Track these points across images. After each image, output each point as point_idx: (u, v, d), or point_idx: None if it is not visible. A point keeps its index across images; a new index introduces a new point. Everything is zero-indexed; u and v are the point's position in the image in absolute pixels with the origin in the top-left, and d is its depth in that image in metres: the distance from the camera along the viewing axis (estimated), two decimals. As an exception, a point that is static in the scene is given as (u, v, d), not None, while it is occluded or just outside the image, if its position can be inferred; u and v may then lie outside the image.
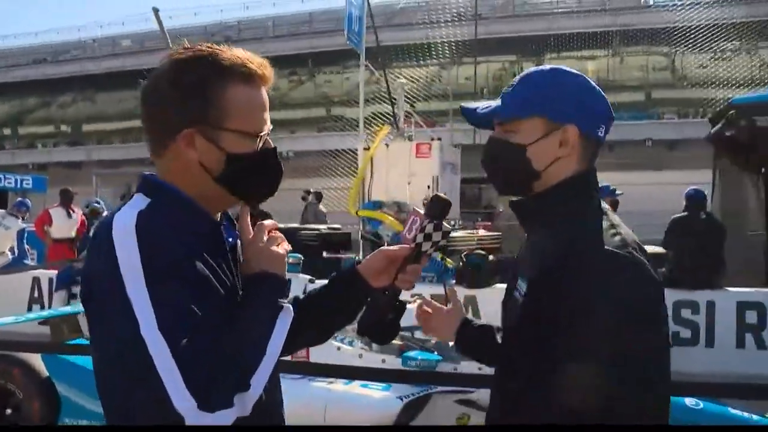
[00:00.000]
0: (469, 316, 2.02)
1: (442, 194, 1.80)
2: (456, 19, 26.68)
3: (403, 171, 9.86)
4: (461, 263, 8.11)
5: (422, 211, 1.73)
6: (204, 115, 1.47)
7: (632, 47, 28.92)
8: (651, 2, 29.56)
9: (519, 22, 28.10)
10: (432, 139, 10.59)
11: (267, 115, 1.55)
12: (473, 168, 12.76)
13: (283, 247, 1.55)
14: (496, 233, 10.18)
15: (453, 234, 9.09)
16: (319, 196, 14.28)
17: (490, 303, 7.76)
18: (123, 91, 33.57)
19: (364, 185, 9.49)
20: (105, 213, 8.18)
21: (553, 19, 28.77)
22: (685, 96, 28.12)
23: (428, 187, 9.89)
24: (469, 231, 9.64)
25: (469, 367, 4.20)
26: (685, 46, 27.08)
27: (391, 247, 1.76)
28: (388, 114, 15.05)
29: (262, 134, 1.53)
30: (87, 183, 26.05)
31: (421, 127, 13.37)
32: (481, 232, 10.31)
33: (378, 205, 9.11)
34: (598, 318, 1.42)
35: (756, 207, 9.68)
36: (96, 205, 11.40)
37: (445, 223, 1.71)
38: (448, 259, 8.18)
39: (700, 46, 26.73)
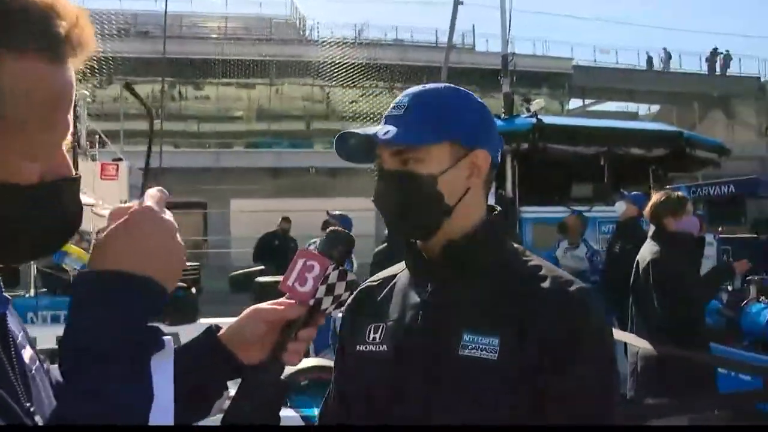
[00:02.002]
0: None
1: (338, 227, 1.34)
2: (120, 34, 25.05)
3: (86, 194, 8.62)
4: (161, 297, 7.30)
5: (316, 251, 1.23)
6: None
7: (291, 78, 29.90)
8: (314, 36, 30.92)
9: (185, 43, 27.32)
10: (115, 160, 9.52)
11: (71, 116, 0.91)
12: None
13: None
14: (193, 263, 9.47)
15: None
16: None
17: (194, 341, 7.16)
18: None
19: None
20: None
21: (218, 44, 28.56)
22: (339, 128, 29.80)
23: (116, 213, 8.82)
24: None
25: None
26: (338, 81, 28.72)
27: (268, 306, 1.22)
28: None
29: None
30: None
31: (104, 146, 12.09)
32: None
33: (56, 234, 7.81)
34: (595, 364, 1.31)
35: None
36: None
37: (347, 270, 1.23)
38: (147, 294, 7.31)
39: (352, 82, 28.57)
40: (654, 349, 4.24)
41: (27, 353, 0.98)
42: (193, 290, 7.48)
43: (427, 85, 1.45)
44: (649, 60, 34.37)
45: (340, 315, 1.53)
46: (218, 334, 1.20)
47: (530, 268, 1.39)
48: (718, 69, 34.59)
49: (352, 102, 29.88)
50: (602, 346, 1.33)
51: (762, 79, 34.60)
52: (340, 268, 1.20)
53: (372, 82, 29.20)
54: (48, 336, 6.81)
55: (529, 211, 8.54)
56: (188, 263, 9.68)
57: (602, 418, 1.30)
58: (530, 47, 30.73)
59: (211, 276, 10.15)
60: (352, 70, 28.11)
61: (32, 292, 7.89)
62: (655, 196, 4.67)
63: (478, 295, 1.35)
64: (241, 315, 1.23)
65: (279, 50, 28.46)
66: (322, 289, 1.17)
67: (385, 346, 1.40)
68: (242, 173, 25.22)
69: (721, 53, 34.61)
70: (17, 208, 0.87)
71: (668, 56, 34.45)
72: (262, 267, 8.66)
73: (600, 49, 34.28)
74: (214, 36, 29.98)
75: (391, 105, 1.41)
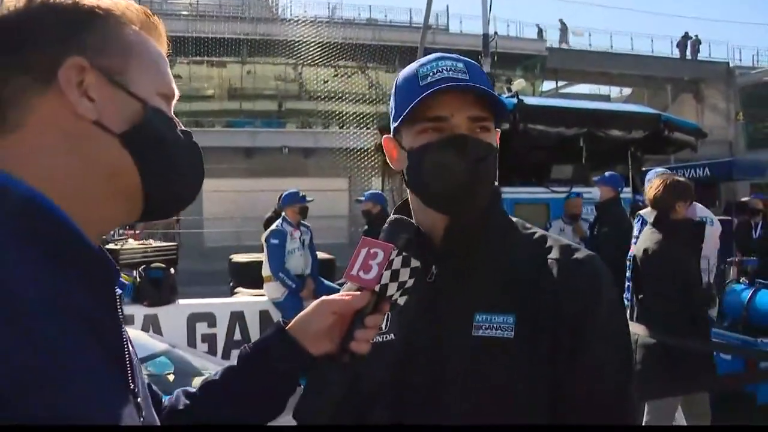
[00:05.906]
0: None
1: (400, 215, 1.31)
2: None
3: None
4: (139, 278, 7.18)
5: (380, 238, 1.21)
6: (101, 41, 0.87)
7: (263, 57, 29.58)
8: (287, 15, 30.54)
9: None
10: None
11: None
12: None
13: None
14: (171, 243, 9.35)
15: (126, 246, 8.08)
16: None
17: (172, 321, 7.10)
18: None
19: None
20: None
21: (190, 21, 28.08)
22: (311, 108, 29.62)
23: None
24: (141, 241, 8.65)
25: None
26: (311, 60, 28.47)
27: (337, 297, 1.18)
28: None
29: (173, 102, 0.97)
30: None
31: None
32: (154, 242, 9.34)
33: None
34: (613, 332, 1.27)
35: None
36: None
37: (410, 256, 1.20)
38: (124, 275, 7.19)
39: (325, 62, 28.30)
40: (655, 337, 4.13)
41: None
42: (172, 270, 7.37)
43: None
44: (540, 32, 33.40)
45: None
46: (287, 328, 1.18)
47: (536, 240, 1.33)
48: (688, 53, 34.86)
49: (325, 81, 29.66)
50: (618, 313, 1.30)
51: (731, 65, 34.94)
52: (404, 254, 1.17)
53: (345, 62, 28.96)
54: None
55: (510, 192, 8.51)
56: (167, 243, 9.56)
57: (621, 391, 1.25)
58: (504, 28, 30.63)
59: (184, 255, 10.02)
60: (325, 49, 27.82)
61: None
62: (659, 180, 4.42)
63: (488, 274, 1.29)
64: (308, 307, 1.20)
65: (251, 28, 28.06)
66: (387, 274, 1.15)
67: (392, 335, 1.33)
68: (215, 153, 24.92)
69: (692, 38, 34.88)
70: (171, 137, 0.94)
71: (565, 27, 33.59)
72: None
73: (573, 31, 34.25)
74: (185, 13, 29.46)
75: (443, 67, 1.26)
